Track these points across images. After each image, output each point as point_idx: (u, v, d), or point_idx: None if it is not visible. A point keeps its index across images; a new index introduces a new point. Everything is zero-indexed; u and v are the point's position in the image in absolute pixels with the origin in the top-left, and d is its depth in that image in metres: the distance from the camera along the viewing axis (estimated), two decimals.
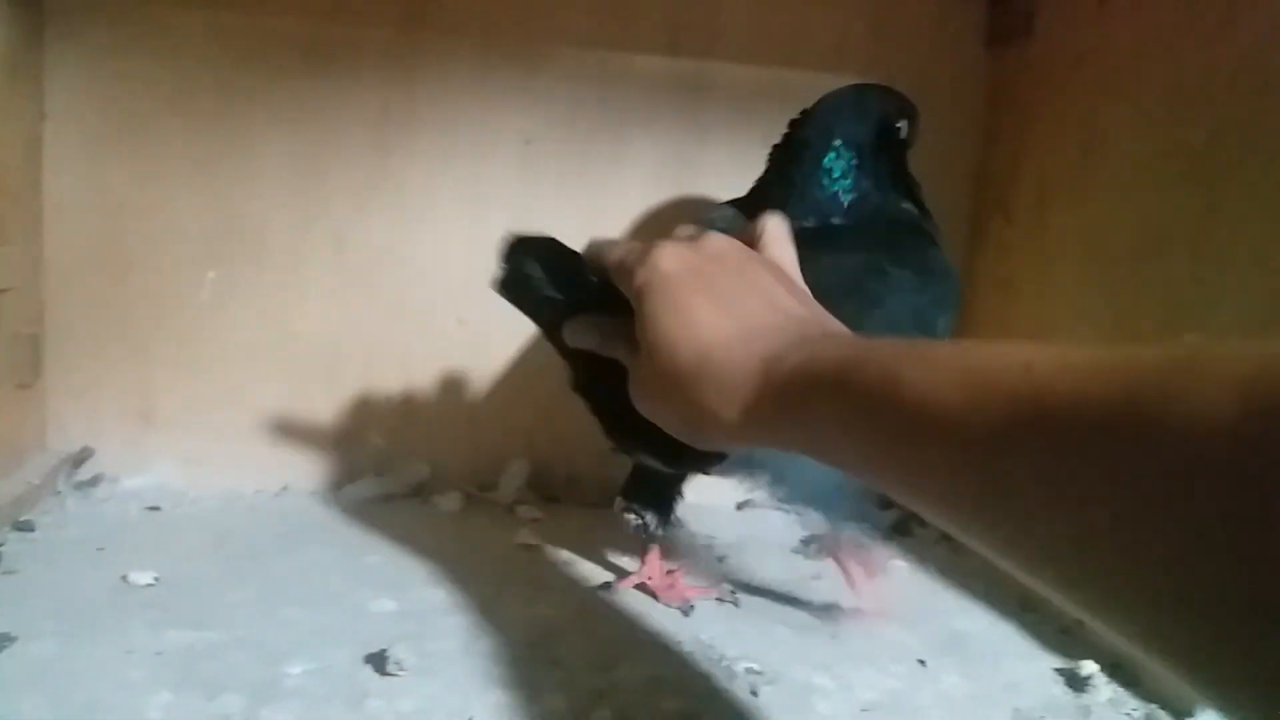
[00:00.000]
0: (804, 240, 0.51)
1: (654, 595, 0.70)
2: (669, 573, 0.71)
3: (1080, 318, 0.75)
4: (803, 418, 0.37)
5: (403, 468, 0.86)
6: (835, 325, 0.43)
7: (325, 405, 0.85)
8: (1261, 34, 0.60)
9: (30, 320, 0.78)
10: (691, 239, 0.46)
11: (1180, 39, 0.67)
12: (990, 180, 0.89)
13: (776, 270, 0.46)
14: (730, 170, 0.86)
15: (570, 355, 0.58)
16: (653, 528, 0.69)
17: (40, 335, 0.79)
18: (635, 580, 0.71)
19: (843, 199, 0.68)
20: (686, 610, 0.68)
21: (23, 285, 0.76)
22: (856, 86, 0.72)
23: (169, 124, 0.80)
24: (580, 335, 0.53)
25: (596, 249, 0.50)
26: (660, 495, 0.70)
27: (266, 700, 0.52)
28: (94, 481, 0.80)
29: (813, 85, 0.82)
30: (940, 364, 0.31)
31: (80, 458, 0.81)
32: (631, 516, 0.69)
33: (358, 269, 0.84)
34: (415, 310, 0.85)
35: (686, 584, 0.72)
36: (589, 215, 0.86)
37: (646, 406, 0.45)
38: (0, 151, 0.72)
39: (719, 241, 0.46)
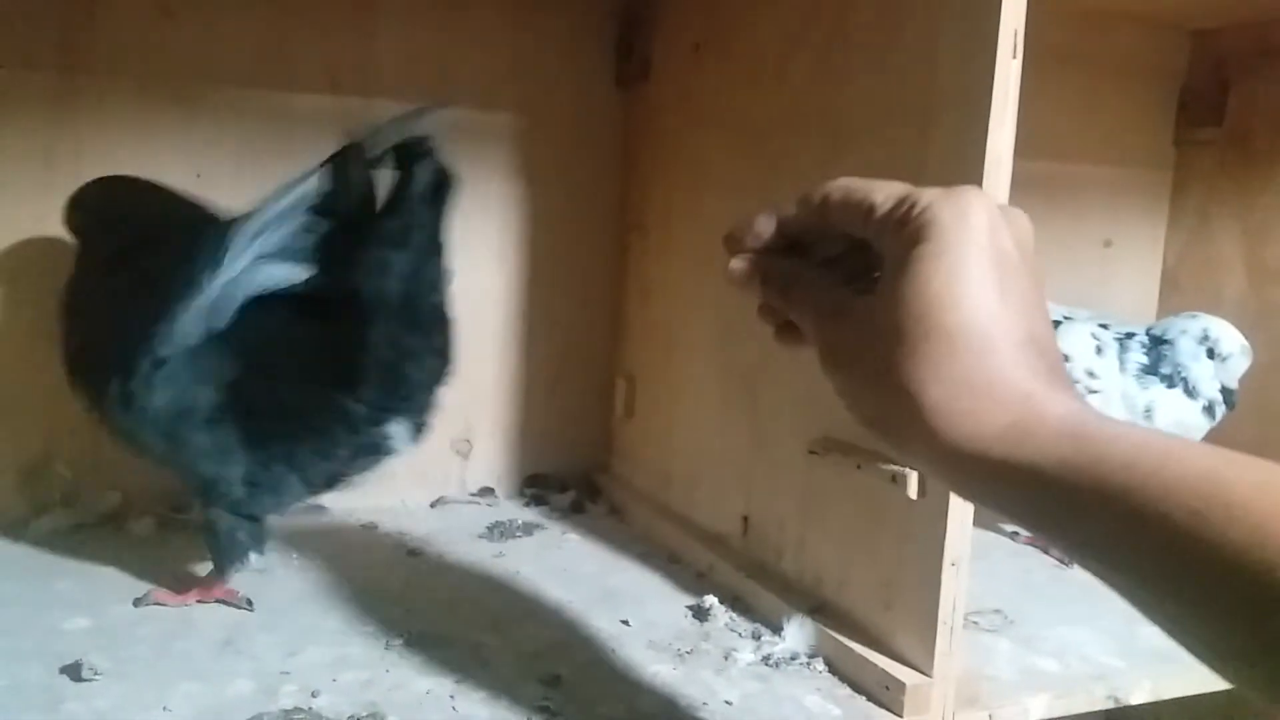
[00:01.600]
0: None
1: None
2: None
3: (697, 314, 0.90)
4: (1047, 485, 0.33)
5: (93, 497, 0.88)
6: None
7: (5, 440, 0.86)
8: (800, 85, 0.76)
9: None
10: (997, 205, 0.39)
11: (748, 85, 0.82)
12: (628, 202, 1.04)
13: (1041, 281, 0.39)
14: None
15: None
16: None
17: None
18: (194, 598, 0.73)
19: None
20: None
21: None
22: None
23: None
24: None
25: (842, 188, 0.41)
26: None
27: None
28: None
29: (468, 120, 0.96)
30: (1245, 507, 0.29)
31: None
32: None
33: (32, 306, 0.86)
34: None
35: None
36: None
37: (846, 375, 0.40)
38: None
39: (1027, 224, 0.39)
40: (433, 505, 1.01)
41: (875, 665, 0.65)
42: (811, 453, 0.72)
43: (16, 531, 0.85)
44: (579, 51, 1.02)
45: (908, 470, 0.64)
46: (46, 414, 0.87)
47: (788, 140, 0.77)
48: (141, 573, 0.78)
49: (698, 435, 0.90)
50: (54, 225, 0.85)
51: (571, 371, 1.06)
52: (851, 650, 0.67)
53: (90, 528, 0.87)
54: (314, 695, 0.61)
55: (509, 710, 0.61)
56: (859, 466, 0.68)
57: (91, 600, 0.72)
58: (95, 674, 0.61)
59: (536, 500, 1.03)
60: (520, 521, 0.95)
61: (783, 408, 0.78)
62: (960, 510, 0.62)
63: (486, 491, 1.04)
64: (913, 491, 0.64)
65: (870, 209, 0.40)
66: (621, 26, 1.02)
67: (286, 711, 0.59)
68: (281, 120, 0.91)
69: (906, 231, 0.38)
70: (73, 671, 0.61)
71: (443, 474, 1.03)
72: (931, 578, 0.63)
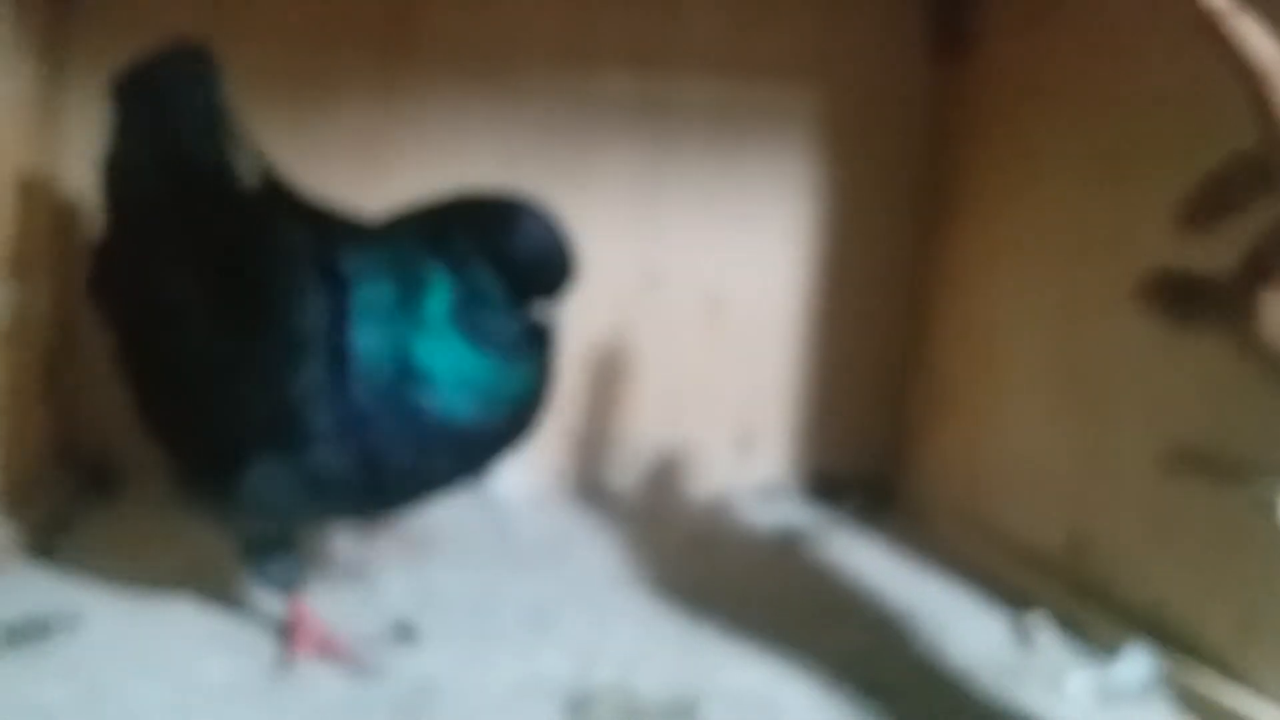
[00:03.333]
0: None
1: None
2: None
3: (1022, 308, 0.84)
4: None
5: None
6: None
7: None
8: (1163, 56, 0.69)
9: (56, 344, 0.84)
10: None
11: (1096, 56, 0.75)
12: (940, 186, 0.97)
13: None
14: (696, 178, 0.95)
15: None
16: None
17: (64, 358, 0.85)
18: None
19: None
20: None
21: (49, 314, 0.82)
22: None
23: None
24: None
25: None
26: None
27: None
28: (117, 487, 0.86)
29: (771, 98, 0.94)
30: None
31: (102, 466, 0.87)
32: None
33: None
34: None
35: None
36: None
37: None
38: (31, 191, 0.78)
39: None
40: (716, 499, 0.99)
41: (1230, 700, 0.59)
42: (1165, 467, 0.65)
43: None
44: (892, 22, 0.97)
45: None
46: None
47: (1143, 121, 0.70)
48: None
49: (1018, 440, 0.84)
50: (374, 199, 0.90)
51: (866, 365, 1.02)
52: (1201, 682, 0.61)
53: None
54: (628, 676, 0.60)
55: (828, 712, 0.58)
56: (1221, 484, 0.61)
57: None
58: (421, 637, 0.63)
59: (823, 500, 0.99)
60: (809, 522, 0.92)
61: (1129, 414, 0.71)
62: None
63: (771, 488, 1.01)
64: None
65: None
66: None
67: (604, 689, 0.59)
68: (586, 100, 0.92)
69: None
70: (401, 633, 0.64)
71: (726, 468, 1.01)
72: None
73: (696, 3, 0.93)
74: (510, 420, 0.56)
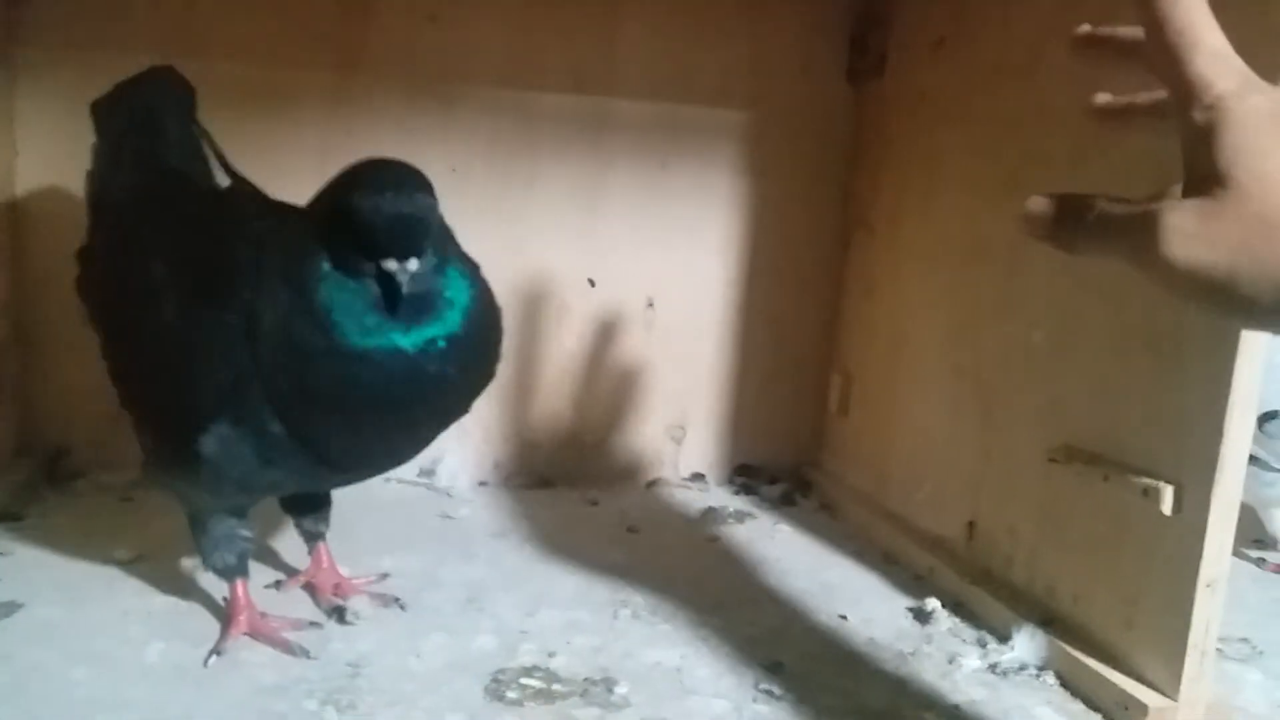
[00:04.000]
0: None
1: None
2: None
3: (926, 314, 0.89)
4: None
5: None
6: None
7: None
8: (1053, 80, 0.73)
9: (10, 333, 0.86)
10: None
11: (994, 80, 0.80)
12: (855, 199, 1.03)
13: None
14: (630, 193, 0.99)
15: None
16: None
17: (21, 346, 0.87)
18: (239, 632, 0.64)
19: None
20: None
21: (3, 303, 0.84)
22: None
23: None
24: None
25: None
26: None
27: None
28: (71, 477, 0.89)
29: (701, 118, 0.98)
30: None
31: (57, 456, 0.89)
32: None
33: None
34: None
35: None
36: (508, 235, 0.96)
37: (1219, 258, 0.35)
38: None
39: None
40: (648, 486, 1.04)
41: (1113, 683, 0.63)
42: (1052, 460, 0.70)
43: None
44: (813, 47, 1.02)
45: (1161, 484, 0.62)
46: None
47: (1035, 139, 0.75)
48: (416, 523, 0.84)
49: (921, 436, 0.89)
50: None
51: (786, 365, 1.07)
52: (1087, 666, 0.65)
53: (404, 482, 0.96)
54: (550, 655, 0.64)
55: (734, 690, 0.63)
56: (1106, 478, 0.66)
57: (351, 553, 0.76)
58: (356, 618, 0.67)
59: (746, 490, 1.04)
60: (732, 509, 0.97)
61: (1020, 413, 0.76)
62: (1219, 528, 0.60)
63: (698, 477, 1.06)
64: (1167, 507, 0.61)
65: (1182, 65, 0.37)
66: (857, 22, 1.01)
67: (526, 668, 0.63)
68: (528, 118, 0.96)
69: (1206, 109, 0.35)
70: (338, 614, 0.67)
71: (657, 458, 1.05)
72: (1183, 597, 0.61)
73: (632, 29, 0.98)
74: (416, 373, 0.55)
